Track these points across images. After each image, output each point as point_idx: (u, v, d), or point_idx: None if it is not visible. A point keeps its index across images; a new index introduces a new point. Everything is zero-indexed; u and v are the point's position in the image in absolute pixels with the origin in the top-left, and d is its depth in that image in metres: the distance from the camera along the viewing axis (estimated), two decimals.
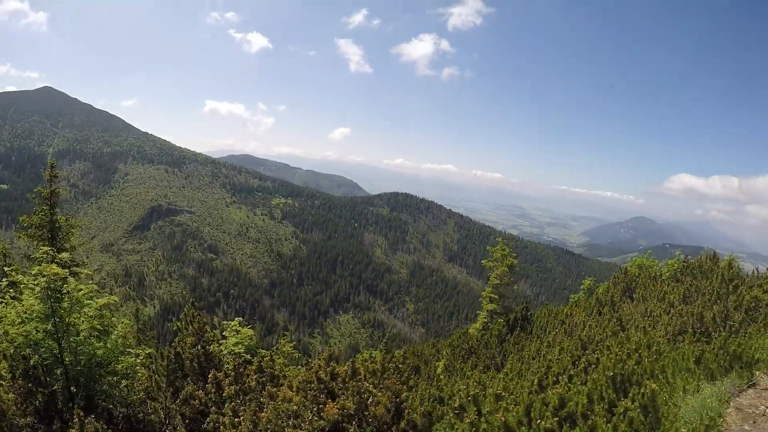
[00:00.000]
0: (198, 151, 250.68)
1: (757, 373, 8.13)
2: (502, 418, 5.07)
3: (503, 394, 6.44)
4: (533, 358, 13.93)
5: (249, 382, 8.69)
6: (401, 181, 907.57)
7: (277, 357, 19.66)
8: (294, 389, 7.33)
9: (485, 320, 25.44)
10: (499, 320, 22.61)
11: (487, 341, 19.39)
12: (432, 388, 12.40)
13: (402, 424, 6.91)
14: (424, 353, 26.14)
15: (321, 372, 7.42)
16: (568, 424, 4.84)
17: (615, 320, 15.44)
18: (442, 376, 17.38)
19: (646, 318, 14.89)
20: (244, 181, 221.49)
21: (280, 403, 7.06)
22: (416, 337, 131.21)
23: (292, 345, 27.74)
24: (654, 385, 5.21)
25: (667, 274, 21.64)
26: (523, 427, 5.22)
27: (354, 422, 6.87)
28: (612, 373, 6.50)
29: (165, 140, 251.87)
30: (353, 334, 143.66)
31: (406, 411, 7.23)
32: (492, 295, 26.54)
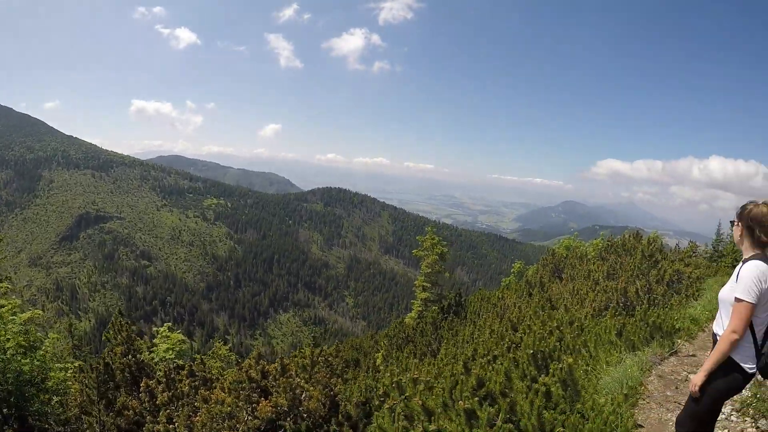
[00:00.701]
0: (126, 154, 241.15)
1: (678, 341, 8.61)
2: (420, 401, 5.25)
3: (420, 378, 6.64)
4: (467, 342, 14.28)
5: (182, 388, 8.63)
6: (334, 175, 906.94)
7: (213, 361, 19.44)
8: (226, 390, 7.32)
9: (420, 309, 25.93)
10: (433, 308, 23.11)
11: (422, 329, 19.74)
12: (368, 378, 12.56)
13: (338, 417, 7.00)
14: (363, 346, 26.45)
15: (252, 371, 7.44)
16: (488, 403, 5.06)
17: (545, 300, 15.97)
18: (381, 367, 17.57)
19: (574, 296, 15.45)
20: (175, 182, 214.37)
21: (213, 405, 7.03)
22: (358, 331, 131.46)
23: (228, 347, 27.45)
24: (570, 359, 5.48)
25: (593, 253, 22.48)
26: (449, 410, 5.40)
27: (289, 419, 6.92)
28: (532, 351, 6.79)
29: (91, 143, 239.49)
30: (295, 332, 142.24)
31: (342, 404, 7.32)
32: (425, 284, 27.07)
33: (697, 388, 3.47)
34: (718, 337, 3.55)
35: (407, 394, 5.98)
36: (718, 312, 3.66)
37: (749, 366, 3.41)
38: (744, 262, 3.43)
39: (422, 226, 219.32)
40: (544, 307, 14.76)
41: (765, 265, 3.32)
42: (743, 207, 3.57)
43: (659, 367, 7.38)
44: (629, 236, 19.75)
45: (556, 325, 9.63)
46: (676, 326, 9.25)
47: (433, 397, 5.97)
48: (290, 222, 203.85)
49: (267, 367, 7.67)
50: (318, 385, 7.18)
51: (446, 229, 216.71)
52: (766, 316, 3.38)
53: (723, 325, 3.54)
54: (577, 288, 15.86)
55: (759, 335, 3.38)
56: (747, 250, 3.49)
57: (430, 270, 27.11)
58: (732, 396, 3.57)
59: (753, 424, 4.15)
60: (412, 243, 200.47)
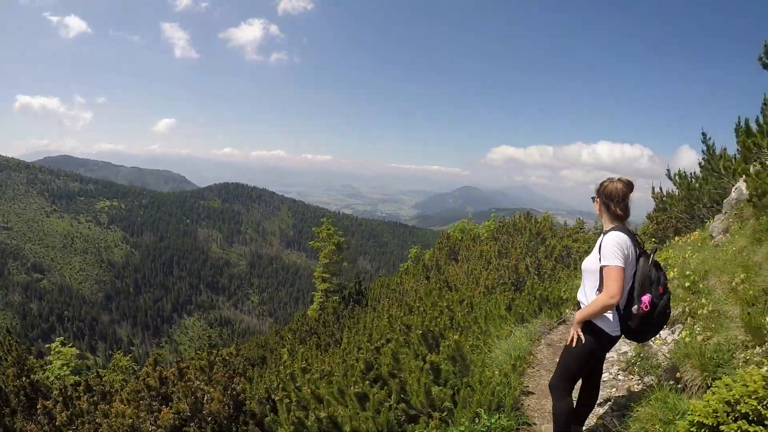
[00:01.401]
0: (10, 156, 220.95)
1: (566, 311, 9.13)
2: (309, 390, 5.31)
3: (312, 368, 6.73)
4: (366, 329, 14.48)
5: (80, 405, 8.24)
6: (231, 170, 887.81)
7: (115, 374, 18.62)
8: (125, 402, 7.07)
9: (321, 300, 26.32)
10: (334, 298, 23.30)
11: (324, 320, 19.88)
12: (272, 374, 12.47)
13: (243, 417, 6.93)
14: (269, 342, 26.20)
15: (149, 379, 7.25)
16: (379, 385, 5.18)
17: (442, 282, 16.43)
18: (288, 362, 17.49)
19: (469, 276, 15.98)
20: (64, 185, 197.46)
21: (114, 419, 6.79)
22: (265, 328, 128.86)
23: (129, 358, 26.37)
24: (457, 336, 5.71)
25: (486, 235, 23.35)
26: (345, 395, 5.48)
27: (193, 424, 6.77)
28: (422, 331, 7.00)
29: None
30: (201, 336, 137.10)
31: (247, 403, 7.24)
32: (324, 275, 27.55)
33: (573, 340, 3.71)
34: (582, 305, 3.86)
35: (298, 384, 6.01)
36: (582, 282, 3.94)
37: (611, 330, 3.67)
38: (604, 234, 3.71)
39: (321, 217, 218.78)
40: (441, 289, 15.20)
41: (624, 235, 3.59)
42: (600, 184, 3.86)
43: (548, 336, 7.77)
44: (519, 216, 20.63)
45: (446, 304, 9.97)
46: (564, 297, 9.78)
47: (326, 385, 6.06)
48: (188, 221, 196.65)
49: (165, 372, 7.50)
50: (218, 386, 7.05)
51: (346, 219, 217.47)
52: (629, 285, 3.66)
53: (586, 293, 3.83)
54: (471, 268, 16.43)
55: (621, 303, 3.63)
56: (606, 223, 3.80)
57: (328, 260, 27.54)
58: (596, 356, 3.85)
59: (639, 381, 4.45)
60: (312, 235, 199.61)
